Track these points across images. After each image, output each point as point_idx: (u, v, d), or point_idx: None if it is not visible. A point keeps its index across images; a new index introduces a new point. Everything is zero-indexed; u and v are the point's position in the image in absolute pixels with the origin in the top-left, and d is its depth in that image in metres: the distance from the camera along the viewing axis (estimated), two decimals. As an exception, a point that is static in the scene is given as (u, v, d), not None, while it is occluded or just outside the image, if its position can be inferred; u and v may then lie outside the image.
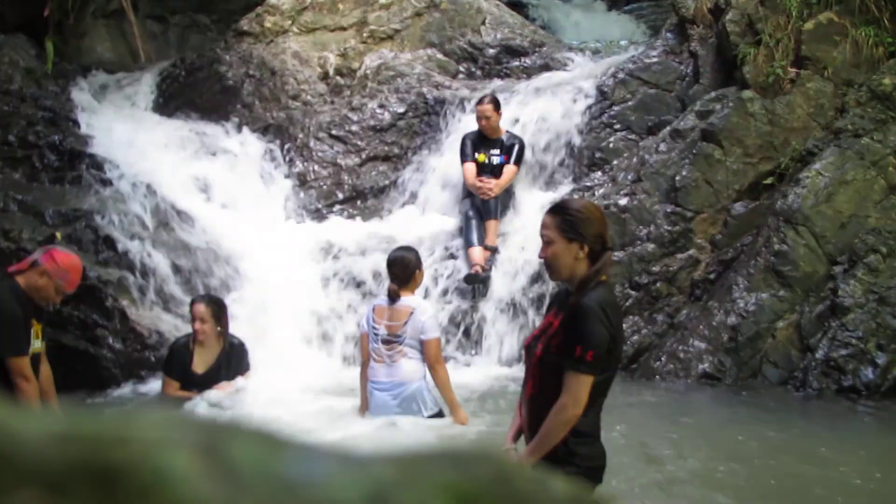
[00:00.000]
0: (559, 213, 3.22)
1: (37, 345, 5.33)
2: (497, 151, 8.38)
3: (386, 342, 5.79)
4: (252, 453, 0.61)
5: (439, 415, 5.80)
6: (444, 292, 7.95)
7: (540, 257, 3.30)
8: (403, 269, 5.81)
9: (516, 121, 8.87)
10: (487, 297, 7.89)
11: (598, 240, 3.17)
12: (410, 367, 5.75)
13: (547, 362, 3.16)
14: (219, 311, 6.61)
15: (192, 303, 6.63)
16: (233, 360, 6.54)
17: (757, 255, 7.45)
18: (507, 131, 8.50)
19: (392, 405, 5.77)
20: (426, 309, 5.81)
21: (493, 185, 8.17)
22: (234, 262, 7.94)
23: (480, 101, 8.43)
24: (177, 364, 6.47)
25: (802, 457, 5.45)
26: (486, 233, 8.11)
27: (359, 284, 8.02)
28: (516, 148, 8.38)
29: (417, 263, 5.88)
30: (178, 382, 6.47)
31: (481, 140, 8.40)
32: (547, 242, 3.22)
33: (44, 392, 5.33)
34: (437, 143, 9.14)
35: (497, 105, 8.37)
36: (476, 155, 8.42)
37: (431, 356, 5.72)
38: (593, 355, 3.04)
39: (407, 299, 5.82)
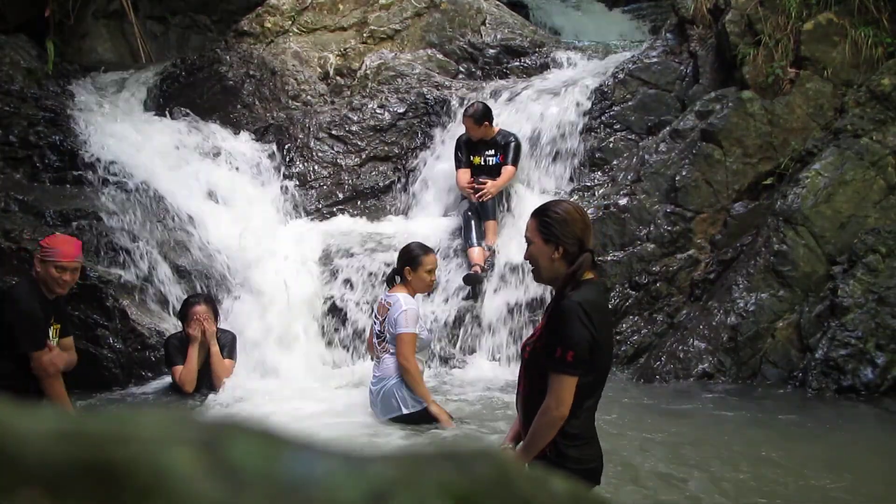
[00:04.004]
0: (539, 215, 3.28)
1: (53, 343, 5.41)
2: (492, 152, 8.37)
3: (378, 337, 5.94)
4: (252, 453, 0.61)
5: (424, 413, 5.76)
6: (444, 293, 7.95)
7: (524, 258, 3.37)
8: (399, 257, 6.00)
9: (514, 123, 8.86)
10: (487, 297, 7.89)
11: (574, 242, 3.18)
12: (391, 363, 5.83)
13: (534, 364, 3.18)
14: (216, 309, 6.69)
15: (190, 305, 6.62)
16: (217, 345, 6.60)
17: (756, 255, 7.45)
18: (501, 129, 8.46)
19: (377, 403, 5.88)
20: (401, 304, 5.79)
21: (488, 186, 8.15)
22: (234, 262, 7.93)
23: (466, 111, 8.40)
24: (178, 355, 6.50)
25: (801, 456, 5.45)
26: (486, 233, 8.11)
27: (359, 284, 8.01)
28: (512, 147, 8.35)
29: (412, 259, 5.85)
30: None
31: (474, 142, 8.38)
32: (528, 243, 3.29)
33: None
34: (437, 144, 9.14)
35: (481, 118, 8.23)
36: (471, 158, 8.40)
37: (398, 351, 5.75)
38: (573, 356, 3.04)
39: (392, 294, 5.90)
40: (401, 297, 5.82)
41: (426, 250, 6.00)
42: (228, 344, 6.70)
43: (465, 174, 8.38)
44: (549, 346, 3.11)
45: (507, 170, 8.30)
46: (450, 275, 8.03)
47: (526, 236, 3.31)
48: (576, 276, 3.15)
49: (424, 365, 6.08)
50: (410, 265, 5.84)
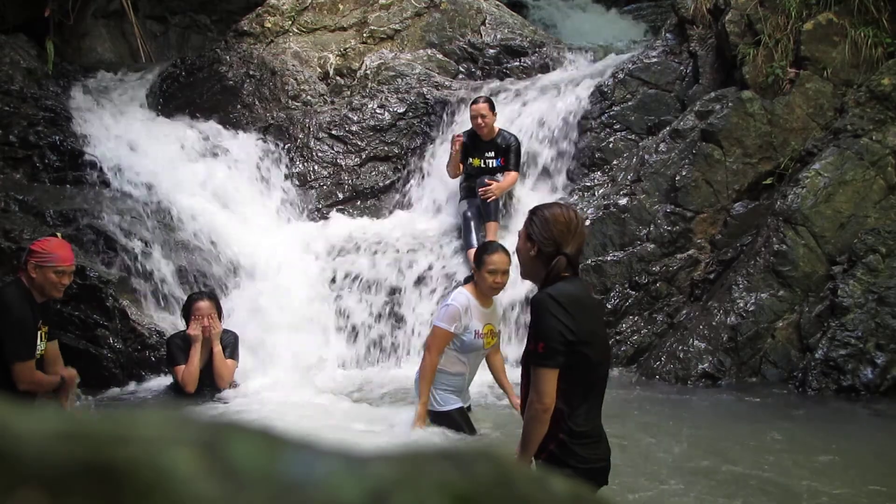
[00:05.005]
0: (530, 213, 3.37)
1: (42, 347, 5.33)
2: (492, 154, 8.34)
3: None
4: (252, 453, 0.61)
5: (435, 414, 5.67)
6: (445, 293, 7.94)
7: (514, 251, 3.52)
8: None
9: (513, 123, 8.86)
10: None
11: (550, 243, 3.22)
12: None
13: (527, 366, 3.22)
14: (218, 306, 6.69)
15: (193, 301, 6.63)
16: (220, 346, 6.59)
17: (756, 255, 7.46)
18: (502, 130, 8.44)
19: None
20: (449, 298, 5.73)
21: (493, 187, 8.13)
22: (233, 261, 7.94)
23: (476, 101, 8.38)
24: (180, 354, 6.49)
25: (802, 456, 5.45)
26: (487, 234, 8.09)
27: (358, 284, 8.01)
28: (513, 150, 8.32)
29: (477, 258, 5.69)
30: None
31: (475, 142, 8.34)
32: (518, 237, 3.40)
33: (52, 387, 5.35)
34: (437, 144, 9.14)
35: (492, 106, 8.31)
36: (470, 160, 8.38)
37: (426, 341, 5.68)
38: (544, 346, 3.07)
39: (457, 289, 5.92)
40: (456, 293, 5.72)
41: (493, 250, 5.68)
42: (231, 344, 6.69)
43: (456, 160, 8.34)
44: (527, 340, 3.16)
45: (511, 175, 8.29)
46: (451, 276, 8.03)
47: (519, 231, 3.40)
48: (549, 276, 3.19)
49: (468, 368, 5.68)
50: (476, 264, 5.67)
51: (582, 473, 3.09)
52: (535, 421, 3.11)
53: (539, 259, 3.23)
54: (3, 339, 5.07)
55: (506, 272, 5.56)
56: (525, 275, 3.38)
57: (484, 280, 5.57)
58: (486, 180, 8.18)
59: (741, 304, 7.29)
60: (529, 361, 3.14)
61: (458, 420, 5.64)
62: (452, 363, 5.61)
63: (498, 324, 5.81)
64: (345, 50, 9.92)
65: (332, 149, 9.18)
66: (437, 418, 5.64)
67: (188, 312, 6.59)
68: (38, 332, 5.26)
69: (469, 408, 5.88)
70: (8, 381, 5.10)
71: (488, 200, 8.10)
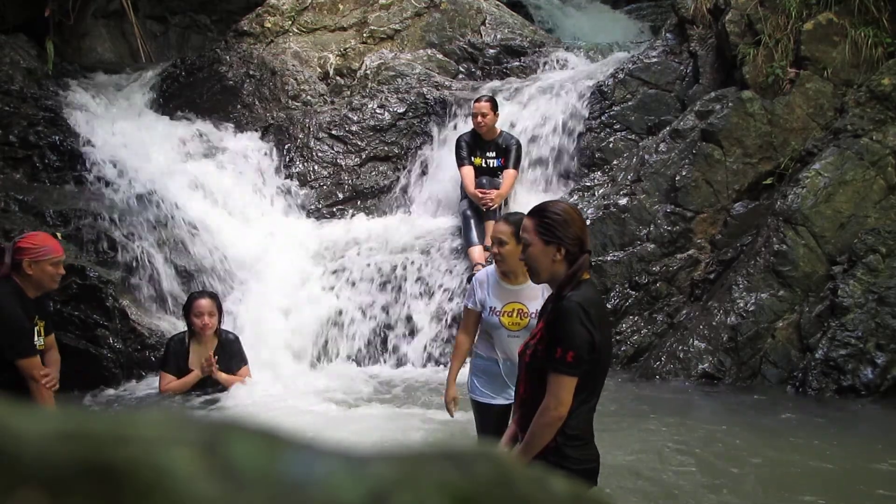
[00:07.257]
0: (537, 216, 3.26)
1: (40, 342, 5.35)
2: (493, 154, 8.34)
3: None
4: (252, 453, 0.61)
5: (473, 403, 5.46)
6: (445, 292, 7.95)
7: (519, 259, 3.37)
8: None
9: (513, 123, 8.86)
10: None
11: (575, 242, 3.19)
12: None
13: (535, 367, 3.18)
14: (219, 306, 6.66)
15: (194, 299, 6.62)
16: (227, 355, 6.55)
17: (757, 255, 7.46)
18: (503, 131, 8.44)
19: None
20: None
21: (493, 196, 8.11)
22: (233, 261, 7.93)
23: (478, 99, 8.40)
24: (173, 360, 6.48)
25: (802, 456, 5.45)
26: (487, 234, 8.09)
27: (357, 283, 8.01)
28: (514, 150, 8.33)
29: None
30: (176, 377, 6.48)
31: (476, 142, 8.34)
32: (526, 245, 3.27)
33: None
34: (437, 144, 9.14)
35: (495, 105, 8.32)
36: (472, 159, 8.37)
37: None
38: (574, 356, 3.05)
39: None
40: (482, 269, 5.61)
41: (497, 220, 5.21)
42: (238, 351, 6.60)
43: (471, 171, 8.31)
44: (549, 346, 3.11)
45: (510, 174, 8.28)
46: (451, 274, 8.03)
47: (523, 237, 3.29)
48: (576, 276, 3.16)
49: (499, 354, 4.94)
50: None
51: (576, 474, 3.07)
52: (549, 427, 3.10)
53: (565, 261, 3.19)
54: (1, 341, 5.07)
55: (502, 242, 4.78)
56: (544, 280, 3.28)
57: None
58: (482, 182, 8.18)
59: (741, 304, 7.29)
60: (551, 368, 3.08)
61: (483, 415, 5.09)
62: (484, 346, 5.07)
63: (535, 305, 4.82)
64: (345, 50, 9.92)
65: (332, 149, 9.18)
66: (472, 403, 5.16)
67: (189, 310, 6.57)
68: (35, 328, 5.26)
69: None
70: (10, 382, 5.11)
71: (492, 208, 8.06)
